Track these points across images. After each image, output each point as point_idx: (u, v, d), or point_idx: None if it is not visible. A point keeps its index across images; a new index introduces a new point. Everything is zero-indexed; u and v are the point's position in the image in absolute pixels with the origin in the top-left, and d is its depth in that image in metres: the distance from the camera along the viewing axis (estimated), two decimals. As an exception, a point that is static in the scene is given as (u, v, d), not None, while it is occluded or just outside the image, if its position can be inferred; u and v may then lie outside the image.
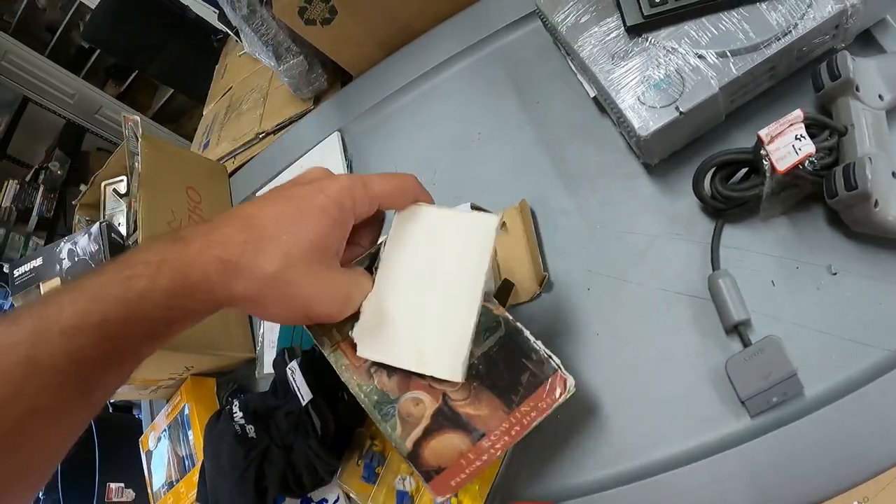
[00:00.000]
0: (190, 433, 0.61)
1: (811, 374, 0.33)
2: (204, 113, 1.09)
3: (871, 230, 0.34)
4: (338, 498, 0.49)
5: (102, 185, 0.77)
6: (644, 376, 0.38)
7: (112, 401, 0.93)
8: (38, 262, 0.68)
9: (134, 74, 2.30)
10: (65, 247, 0.67)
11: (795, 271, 0.36)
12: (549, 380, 0.30)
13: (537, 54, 0.53)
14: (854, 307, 0.34)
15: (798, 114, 0.34)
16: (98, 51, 2.18)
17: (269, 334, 0.63)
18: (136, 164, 0.71)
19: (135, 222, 0.68)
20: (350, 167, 0.63)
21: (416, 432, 0.31)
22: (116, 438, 1.05)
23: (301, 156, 0.68)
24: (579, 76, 0.47)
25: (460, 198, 0.45)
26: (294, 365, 0.46)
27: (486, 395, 0.31)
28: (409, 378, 0.32)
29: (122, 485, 0.86)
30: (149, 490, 0.64)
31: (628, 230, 0.42)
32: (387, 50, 0.65)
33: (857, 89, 0.35)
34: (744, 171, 0.37)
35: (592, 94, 0.45)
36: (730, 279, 0.36)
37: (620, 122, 0.41)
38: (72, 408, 0.26)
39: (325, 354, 0.34)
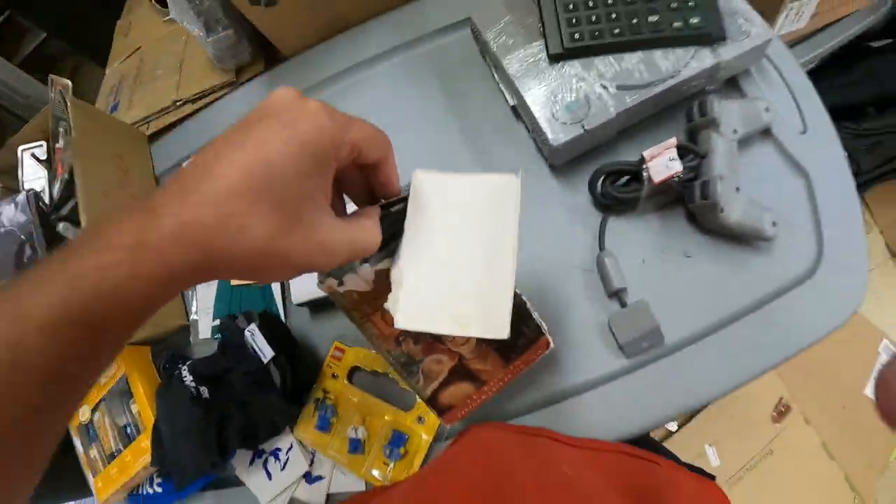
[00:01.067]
0: (132, 403, 0.62)
1: (670, 327, 0.47)
2: (106, 72, 1.03)
3: (717, 228, 0.47)
4: (290, 446, 0.54)
5: (19, 149, 0.74)
6: (553, 332, 0.49)
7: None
8: (-46, 232, 0.64)
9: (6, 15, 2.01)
10: (-12, 216, 0.65)
11: (661, 254, 0.49)
12: (540, 340, 0.40)
13: (463, 60, 0.60)
14: (702, 282, 0.48)
15: (673, 141, 0.45)
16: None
17: (204, 301, 0.66)
18: (60, 128, 0.70)
19: (63, 192, 0.67)
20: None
21: (435, 384, 0.40)
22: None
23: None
24: (501, 86, 0.55)
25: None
26: (253, 328, 0.51)
27: (491, 354, 0.40)
28: (432, 344, 0.39)
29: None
30: (84, 464, 0.64)
31: (535, 216, 0.52)
32: (321, 36, 0.69)
33: (718, 125, 0.46)
34: (627, 177, 0.49)
35: (512, 104, 0.54)
36: (612, 258, 0.48)
37: (535, 130, 0.50)
38: (54, 407, 0.24)
39: (357, 326, 0.37)
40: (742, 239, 0.48)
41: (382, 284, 0.33)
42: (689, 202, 0.46)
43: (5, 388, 0.21)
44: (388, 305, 0.31)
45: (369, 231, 0.29)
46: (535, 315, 0.39)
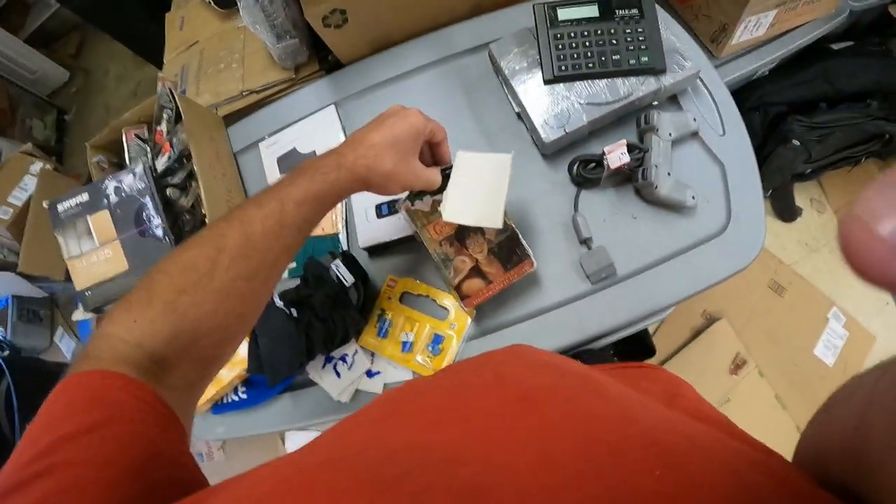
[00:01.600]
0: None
1: (621, 263, 0.68)
2: (165, 61, 1.19)
3: (653, 200, 0.68)
4: (356, 351, 0.71)
5: (123, 130, 0.92)
6: (543, 263, 0.70)
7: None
8: (83, 197, 0.83)
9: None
10: (110, 184, 0.83)
11: (615, 215, 0.71)
12: (526, 261, 0.60)
13: (481, 76, 0.81)
14: (643, 235, 0.69)
15: (623, 141, 0.66)
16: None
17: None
18: (164, 115, 0.88)
19: (171, 165, 0.86)
20: (344, 133, 0.87)
21: (460, 277, 0.60)
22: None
23: (303, 118, 0.88)
24: (509, 97, 0.76)
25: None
26: (338, 262, 0.71)
27: (496, 262, 0.61)
28: (461, 248, 0.60)
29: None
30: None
31: (531, 188, 0.73)
32: (371, 49, 0.88)
33: (657, 130, 0.67)
34: (593, 164, 0.70)
35: (517, 110, 0.75)
36: (582, 217, 0.70)
37: (532, 130, 0.72)
38: (298, 245, 0.46)
39: (418, 231, 0.59)
40: (672, 207, 0.69)
41: (435, 210, 0.59)
42: (635, 182, 0.68)
43: (277, 235, 0.43)
44: (440, 208, 0.56)
45: (435, 175, 0.54)
46: (524, 243, 0.61)
